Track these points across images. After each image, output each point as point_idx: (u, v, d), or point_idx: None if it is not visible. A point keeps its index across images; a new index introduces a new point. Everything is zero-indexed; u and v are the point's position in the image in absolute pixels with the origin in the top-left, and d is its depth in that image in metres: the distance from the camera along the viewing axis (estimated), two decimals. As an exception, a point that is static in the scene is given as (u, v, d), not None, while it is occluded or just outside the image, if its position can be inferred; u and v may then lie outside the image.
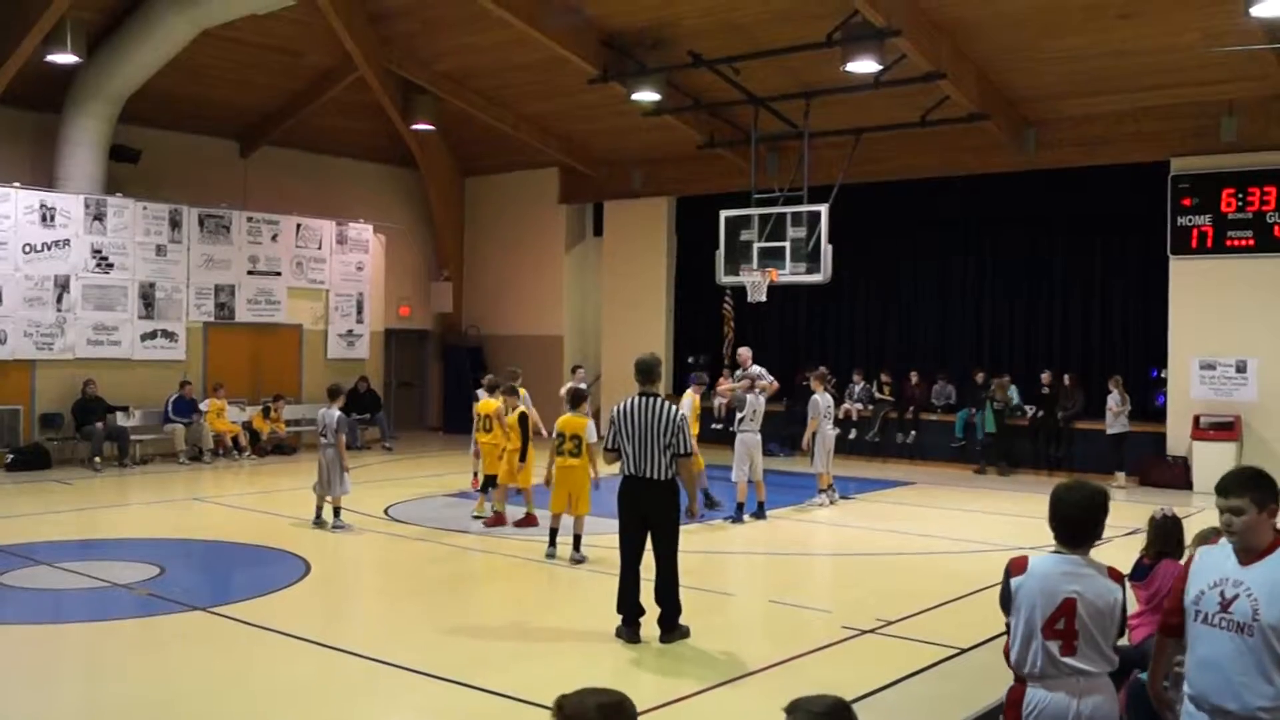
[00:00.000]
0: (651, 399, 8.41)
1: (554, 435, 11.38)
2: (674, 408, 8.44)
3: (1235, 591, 4.11)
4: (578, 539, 11.19)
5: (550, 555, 11.23)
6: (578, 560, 11.09)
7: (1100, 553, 4.48)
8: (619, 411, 8.46)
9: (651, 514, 8.32)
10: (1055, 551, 4.42)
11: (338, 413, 12.89)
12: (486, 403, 13.57)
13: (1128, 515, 11.30)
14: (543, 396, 16.69)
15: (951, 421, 19.94)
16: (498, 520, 13.04)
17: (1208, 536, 5.96)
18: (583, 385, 13.79)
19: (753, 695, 7.23)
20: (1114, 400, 17.75)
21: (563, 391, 13.27)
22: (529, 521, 12.86)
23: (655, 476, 8.25)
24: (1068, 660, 4.25)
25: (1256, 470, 4.29)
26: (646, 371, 8.62)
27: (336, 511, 12.89)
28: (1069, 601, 4.24)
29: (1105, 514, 4.39)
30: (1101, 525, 4.40)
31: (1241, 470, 4.31)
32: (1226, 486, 4.23)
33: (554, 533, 11.36)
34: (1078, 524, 4.36)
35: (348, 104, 22.03)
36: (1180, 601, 4.30)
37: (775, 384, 15.24)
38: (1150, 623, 6.45)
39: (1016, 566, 4.45)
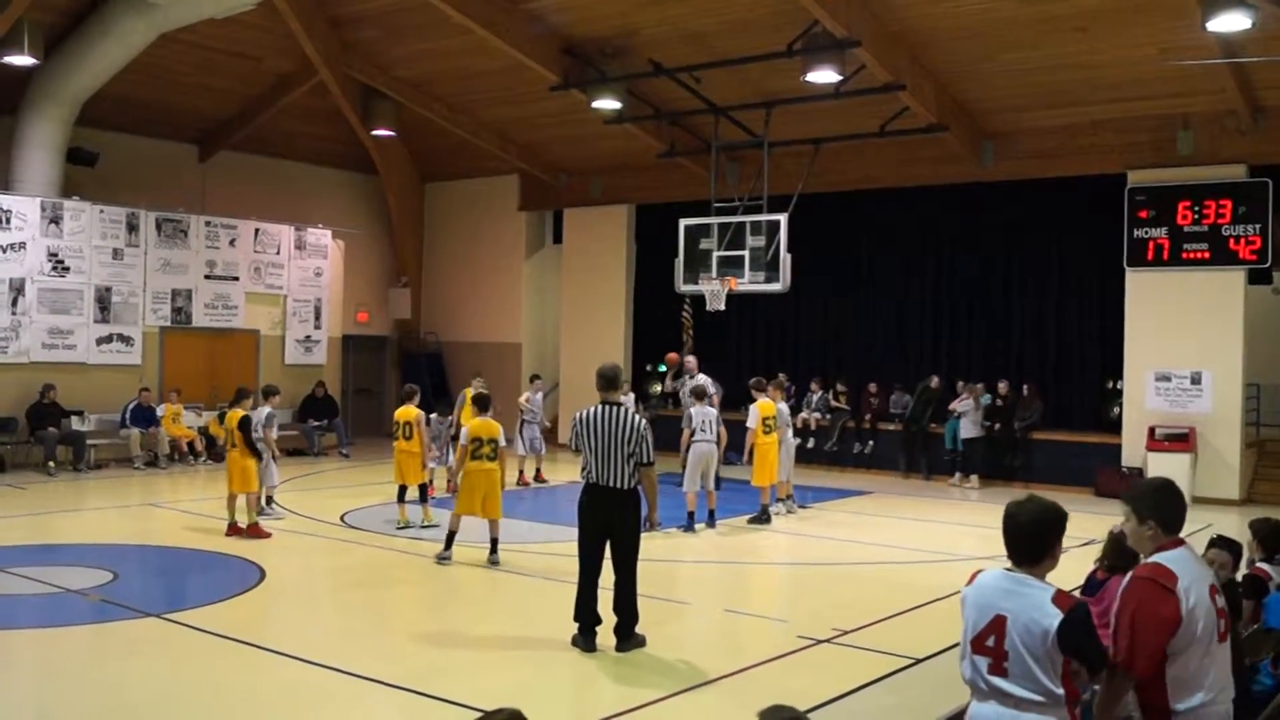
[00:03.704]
0: (614, 408, 8.41)
1: (469, 440, 11.22)
2: (637, 416, 8.43)
3: None
4: (495, 542, 11.27)
5: (444, 559, 11.23)
6: (494, 563, 11.18)
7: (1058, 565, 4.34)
8: (581, 419, 8.45)
9: (613, 522, 8.32)
10: (1007, 568, 4.25)
11: (266, 409, 13.75)
12: (406, 410, 13.64)
13: (1086, 527, 11.40)
14: (499, 404, 16.53)
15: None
16: (237, 529, 12.80)
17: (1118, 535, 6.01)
18: (485, 390, 13.44)
19: (710, 704, 7.24)
20: (967, 405, 18.50)
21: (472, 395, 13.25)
22: (255, 532, 12.70)
23: (618, 485, 8.25)
24: (995, 680, 4.07)
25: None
26: (609, 380, 8.60)
27: (269, 500, 13.93)
28: (999, 619, 4.07)
29: (1055, 531, 4.17)
30: (1050, 543, 4.17)
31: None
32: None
33: (452, 535, 11.31)
34: (1023, 541, 4.17)
35: (307, 109, 21.91)
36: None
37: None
38: (1102, 637, 6.47)
39: (971, 577, 4.32)
